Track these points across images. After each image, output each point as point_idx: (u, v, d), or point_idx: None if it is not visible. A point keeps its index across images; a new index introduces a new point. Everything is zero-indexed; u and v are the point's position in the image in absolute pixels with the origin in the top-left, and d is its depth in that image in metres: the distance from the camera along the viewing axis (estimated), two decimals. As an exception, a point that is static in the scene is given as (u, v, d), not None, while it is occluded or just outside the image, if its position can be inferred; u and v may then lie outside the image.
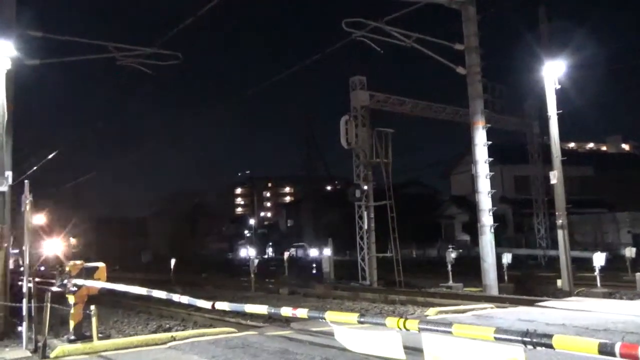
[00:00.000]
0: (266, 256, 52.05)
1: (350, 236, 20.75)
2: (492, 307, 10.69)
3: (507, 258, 17.16)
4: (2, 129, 9.92)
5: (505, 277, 16.71)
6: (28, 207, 8.06)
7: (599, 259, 14.68)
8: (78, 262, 7.91)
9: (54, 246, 32.75)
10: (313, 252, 19.62)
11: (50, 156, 25.52)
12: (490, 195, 15.47)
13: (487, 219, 15.27)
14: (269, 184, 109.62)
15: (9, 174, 10.05)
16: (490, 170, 15.73)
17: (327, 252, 20.78)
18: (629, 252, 18.67)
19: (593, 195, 38.93)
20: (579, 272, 17.00)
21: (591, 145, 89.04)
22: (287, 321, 8.99)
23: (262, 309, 4.61)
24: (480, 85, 16.04)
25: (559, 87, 15.69)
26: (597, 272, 14.58)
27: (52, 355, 6.91)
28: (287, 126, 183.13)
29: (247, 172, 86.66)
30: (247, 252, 48.87)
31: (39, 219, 38.01)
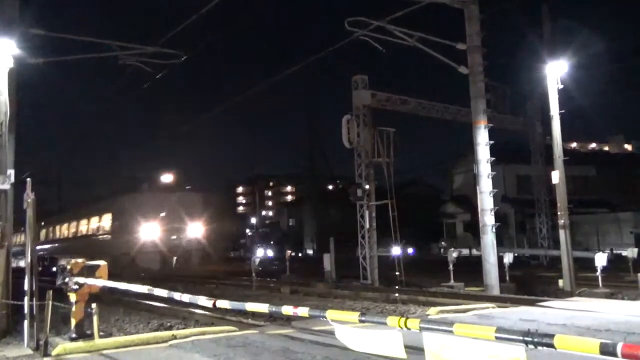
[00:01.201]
0: (298, 254, 49.29)
1: (352, 235, 20.75)
2: (493, 307, 10.69)
3: (508, 258, 17.14)
4: (5, 127, 9.94)
5: (507, 277, 16.69)
6: (30, 205, 8.07)
7: (600, 259, 14.66)
8: (79, 260, 7.92)
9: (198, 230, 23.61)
10: (395, 251, 19.51)
11: None
12: (492, 194, 15.45)
13: (488, 219, 15.25)
14: (271, 183, 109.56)
15: (11, 172, 10.06)
16: (492, 170, 15.70)
17: (411, 250, 20.75)
18: (631, 252, 18.66)
19: (595, 195, 38.88)
20: (581, 272, 16.97)
21: (593, 145, 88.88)
22: (288, 320, 8.99)
23: (263, 307, 4.61)
24: (483, 85, 16.01)
25: (561, 86, 15.67)
26: (599, 273, 14.56)
27: (53, 353, 6.92)
28: (289, 125, 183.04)
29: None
30: (265, 252, 47.23)
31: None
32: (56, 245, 32.72)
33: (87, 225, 27.49)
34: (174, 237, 23.32)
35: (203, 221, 24.48)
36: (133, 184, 26.77)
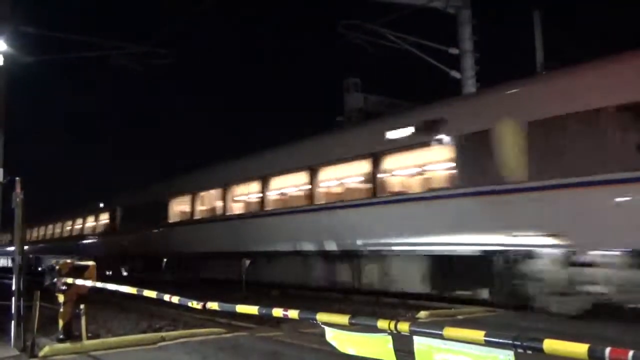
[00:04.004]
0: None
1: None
2: (483, 311, 10.71)
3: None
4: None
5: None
6: (19, 205, 7.99)
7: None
8: (68, 260, 7.86)
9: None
10: None
11: None
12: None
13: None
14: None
15: (0, 170, 9.98)
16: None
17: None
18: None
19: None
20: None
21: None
22: (277, 322, 8.97)
23: (253, 309, 4.58)
24: (475, 90, 16.09)
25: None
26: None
27: (40, 354, 6.85)
28: (282, 128, 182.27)
29: None
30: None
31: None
32: None
33: None
34: None
35: None
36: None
